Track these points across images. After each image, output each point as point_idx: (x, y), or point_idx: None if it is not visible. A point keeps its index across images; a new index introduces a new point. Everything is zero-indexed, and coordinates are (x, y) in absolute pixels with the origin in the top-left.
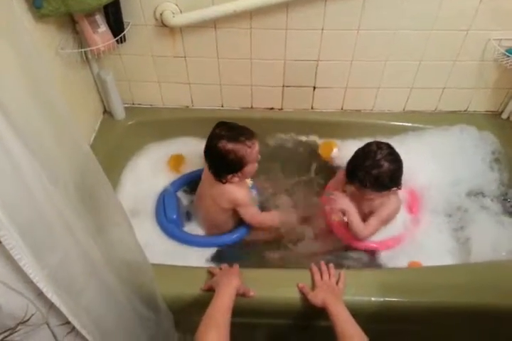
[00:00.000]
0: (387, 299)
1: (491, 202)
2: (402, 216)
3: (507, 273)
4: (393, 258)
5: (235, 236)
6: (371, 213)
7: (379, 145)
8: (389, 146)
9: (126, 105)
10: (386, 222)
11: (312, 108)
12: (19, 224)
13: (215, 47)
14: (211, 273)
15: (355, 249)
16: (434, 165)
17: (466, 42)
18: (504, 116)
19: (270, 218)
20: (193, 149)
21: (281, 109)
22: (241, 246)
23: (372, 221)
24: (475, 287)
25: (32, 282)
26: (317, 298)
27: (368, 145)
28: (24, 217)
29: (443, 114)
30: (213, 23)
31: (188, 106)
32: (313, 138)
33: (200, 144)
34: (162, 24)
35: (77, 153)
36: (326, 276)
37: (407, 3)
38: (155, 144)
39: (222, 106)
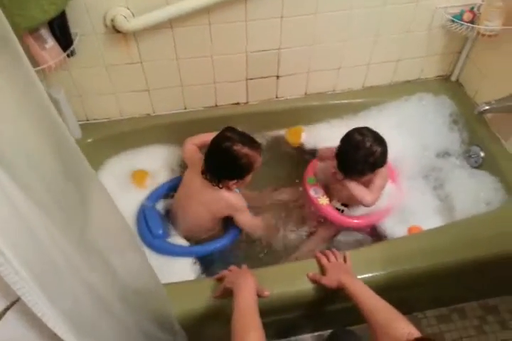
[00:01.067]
0: (391, 270)
1: (457, 160)
2: (385, 187)
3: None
4: (392, 228)
5: (231, 238)
6: (365, 184)
7: (361, 132)
8: (370, 130)
9: (80, 122)
10: (383, 188)
11: (277, 97)
12: (36, 275)
13: (173, 48)
14: (220, 279)
15: (353, 230)
16: (402, 135)
17: (416, 13)
18: (453, 78)
19: (261, 223)
20: (158, 158)
21: (247, 102)
22: (232, 249)
23: (373, 187)
24: (464, 243)
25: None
26: (331, 280)
27: (350, 136)
28: (37, 267)
29: (399, 85)
30: (169, 22)
31: (149, 114)
32: (281, 131)
33: (165, 151)
34: (114, 30)
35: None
36: (332, 258)
37: None
38: (117, 159)
39: (185, 109)
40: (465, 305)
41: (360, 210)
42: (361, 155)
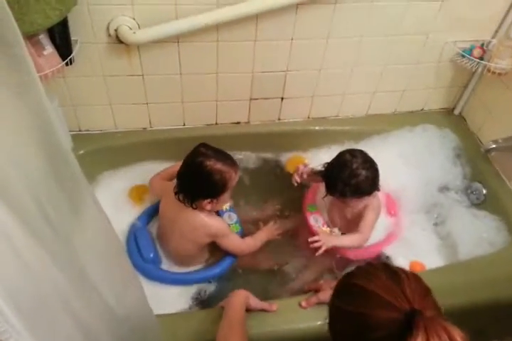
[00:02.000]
0: None
1: (456, 195)
2: (384, 219)
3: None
4: (394, 261)
5: (225, 264)
6: (355, 217)
7: (352, 153)
8: (362, 153)
9: (72, 133)
10: (374, 223)
11: (279, 119)
12: (24, 317)
13: (178, 63)
14: None
15: (351, 261)
16: (403, 166)
17: (426, 45)
18: (456, 112)
19: (253, 244)
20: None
21: (248, 122)
22: (229, 278)
23: (363, 227)
24: (464, 286)
25: None
26: (327, 291)
27: (341, 155)
28: (27, 305)
29: (402, 114)
30: (176, 37)
31: (145, 128)
32: (281, 154)
33: (161, 168)
34: (117, 41)
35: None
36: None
37: (375, 11)
38: (111, 173)
39: (184, 125)
40: None
41: None
42: (344, 176)
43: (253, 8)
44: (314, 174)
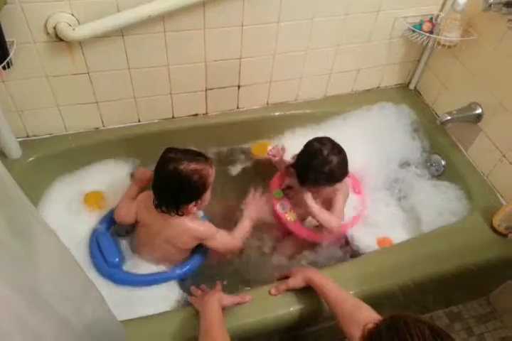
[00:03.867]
0: (364, 288)
1: (417, 169)
2: (350, 198)
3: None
4: (361, 240)
5: (195, 262)
6: (325, 201)
7: (320, 141)
8: (329, 140)
9: (19, 139)
10: (344, 206)
11: (238, 108)
12: None
13: (125, 57)
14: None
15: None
16: (365, 145)
17: (377, 22)
18: (411, 86)
19: (242, 230)
20: (111, 176)
21: (206, 113)
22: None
23: (336, 212)
24: (432, 257)
25: None
26: (296, 278)
27: (310, 144)
28: None
29: (360, 93)
30: (120, 30)
31: (98, 128)
32: (244, 143)
33: (118, 168)
34: (57, 39)
35: None
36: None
37: None
38: (65, 179)
39: (139, 121)
40: (432, 314)
41: None
42: (316, 164)
43: None
44: (283, 162)
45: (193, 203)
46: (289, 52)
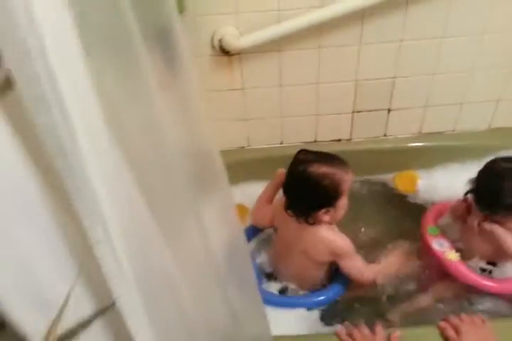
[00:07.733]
0: None
1: None
2: None
3: None
4: None
5: (336, 290)
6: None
7: (507, 160)
8: None
9: None
10: None
11: (385, 135)
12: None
13: (278, 74)
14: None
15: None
16: None
17: None
18: None
19: (379, 270)
20: (253, 195)
21: (350, 139)
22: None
23: None
24: None
25: None
26: None
27: (493, 163)
28: (144, 276)
29: None
30: (277, 44)
31: (243, 147)
32: (388, 175)
33: (259, 188)
34: (220, 52)
35: None
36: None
37: (497, 3)
38: None
39: (281, 143)
40: None
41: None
42: (509, 186)
43: (358, 2)
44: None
45: (324, 210)
46: (450, 72)
